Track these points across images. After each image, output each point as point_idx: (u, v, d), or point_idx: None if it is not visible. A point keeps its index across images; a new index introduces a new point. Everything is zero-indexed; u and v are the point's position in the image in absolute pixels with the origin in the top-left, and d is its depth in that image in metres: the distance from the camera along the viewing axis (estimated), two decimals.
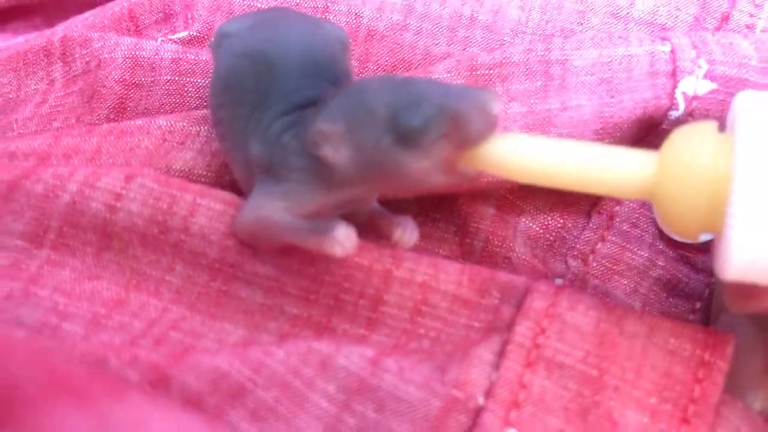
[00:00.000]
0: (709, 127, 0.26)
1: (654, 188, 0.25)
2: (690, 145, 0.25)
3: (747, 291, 0.28)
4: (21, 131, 0.40)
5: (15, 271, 0.32)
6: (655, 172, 0.25)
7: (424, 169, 0.26)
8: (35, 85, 0.43)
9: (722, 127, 0.28)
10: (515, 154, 0.26)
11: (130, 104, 0.40)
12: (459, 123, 0.25)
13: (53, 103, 0.41)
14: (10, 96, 0.43)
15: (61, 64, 0.43)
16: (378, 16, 0.40)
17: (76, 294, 0.32)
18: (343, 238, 0.27)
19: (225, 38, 0.33)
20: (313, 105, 0.29)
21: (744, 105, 0.25)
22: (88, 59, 0.42)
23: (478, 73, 0.36)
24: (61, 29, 0.45)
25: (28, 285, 0.32)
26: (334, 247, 0.27)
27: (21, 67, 0.43)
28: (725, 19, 0.39)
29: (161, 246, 0.32)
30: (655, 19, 0.39)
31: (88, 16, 0.47)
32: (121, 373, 0.28)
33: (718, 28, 0.39)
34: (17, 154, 0.36)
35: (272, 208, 0.29)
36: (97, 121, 0.39)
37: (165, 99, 0.40)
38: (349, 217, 0.31)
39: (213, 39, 0.35)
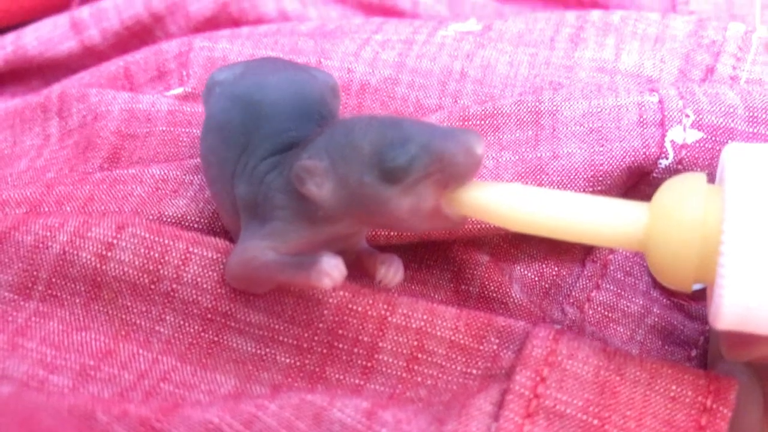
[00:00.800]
0: (699, 178, 0.26)
1: (645, 240, 0.25)
2: (680, 197, 0.25)
3: (742, 339, 0.27)
4: (14, 184, 0.40)
5: (2, 323, 0.31)
6: (645, 224, 0.25)
7: (408, 207, 0.26)
8: (31, 140, 0.43)
9: (711, 177, 0.28)
10: (503, 201, 0.26)
11: (124, 154, 0.40)
12: (443, 162, 0.25)
13: (48, 157, 0.41)
14: (6, 152, 0.43)
15: (58, 119, 0.43)
16: (370, 71, 0.41)
17: (64, 346, 0.31)
18: (330, 269, 0.27)
19: (216, 85, 0.34)
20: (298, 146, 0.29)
21: (732, 157, 0.25)
22: (84, 113, 0.42)
23: (470, 123, 0.37)
24: (58, 87, 0.46)
25: (15, 337, 0.31)
26: (321, 279, 0.27)
27: (17, 124, 0.44)
28: (710, 71, 0.40)
29: (152, 296, 0.31)
30: (641, 72, 0.40)
31: (84, 75, 0.47)
32: (109, 428, 0.28)
33: (703, 80, 0.40)
34: (9, 202, 0.35)
35: (258, 248, 0.29)
36: (90, 171, 0.39)
37: (159, 149, 0.40)
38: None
39: (205, 87, 0.35)
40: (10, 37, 0.54)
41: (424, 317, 0.30)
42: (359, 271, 0.31)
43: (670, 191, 0.26)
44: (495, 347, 0.30)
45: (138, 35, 0.53)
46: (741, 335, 0.26)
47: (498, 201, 0.26)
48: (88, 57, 0.53)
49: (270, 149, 0.30)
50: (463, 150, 0.25)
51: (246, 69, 0.34)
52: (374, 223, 0.29)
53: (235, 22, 0.52)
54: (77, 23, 0.53)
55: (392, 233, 0.34)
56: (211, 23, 0.52)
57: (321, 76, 0.34)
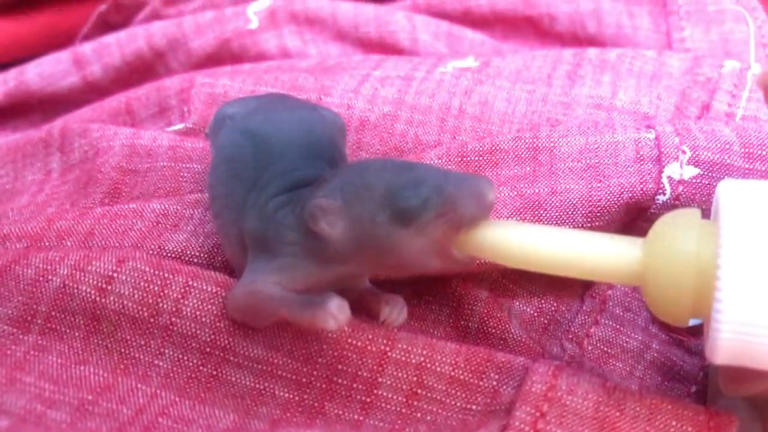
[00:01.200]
0: (692, 213, 0.26)
1: (641, 274, 0.26)
2: (674, 232, 0.26)
3: (741, 374, 0.28)
4: (16, 218, 0.40)
5: (0, 356, 0.31)
6: (641, 259, 0.26)
7: (418, 249, 0.27)
8: (32, 176, 0.43)
9: (707, 213, 0.29)
10: (506, 240, 0.27)
11: (125, 189, 0.40)
12: (455, 206, 0.26)
13: (49, 192, 0.42)
14: (7, 186, 0.43)
15: (59, 154, 0.43)
16: (370, 107, 0.41)
17: (62, 380, 0.31)
18: (336, 311, 0.27)
19: (226, 119, 0.34)
20: (309, 185, 0.30)
21: (726, 193, 0.26)
22: (86, 149, 0.42)
23: (469, 159, 0.37)
24: (59, 122, 0.46)
25: (13, 371, 0.31)
26: (327, 321, 0.27)
27: (19, 159, 0.44)
28: (706, 108, 0.40)
29: (151, 329, 0.31)
30: (638, 109, 0.41)
31: (86, 110, 0.48)
32: None
33: (699, 117, 0.40)
34: (10, 236, 0.35)
35: (265, 282, 0.29)
36: (91, 205, 0.39)
37: (160, 184, 0.40)
38: (342, 295, 0.31)
39: (213, 120, 0.35)
40: (12, 72, 0.55)
41: (424, 352, 0.30)
42: (362, 310, 0.31)
43: (664, 226, 0.26)
44: (495, 383, 0.30)
45: (139, 71, 0.54)
46: (740, 370, 0.26)
47: (501, 240, 0.27)
48: (89, 92, 0.54)
49: (281, 187, 0.30)
50: (474, 194, 0.26)
51: (258, 105, 0.35)
52: (383, 264, 0.29)
53: (237, 59, 0.52)
54: (79, 59, 0.54)
55: None
56: (213, 59, 0.52)
57: (330, 116, 0.35)
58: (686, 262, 0.25)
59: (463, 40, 0.51)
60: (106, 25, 0.58)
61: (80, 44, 0.55)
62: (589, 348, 0.35)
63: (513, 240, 0.27)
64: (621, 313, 0.36)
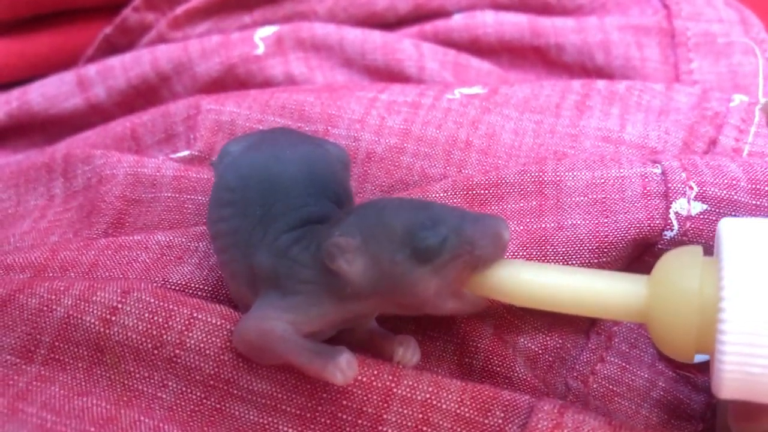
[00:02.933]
0: (695, 251, 0.27)
1: (646, 311, 0.26)
2: (677, 270, 0.26)
3: (749, 411, 0.28)
4: (18, 245, 0.40)
5: (2, 387, 0.31)
6: (646, 297, 0.27)
7: (434, 287, 0.27)
8: (35, 201, 0.43)
9: (711, 249, 0.29)
10: (514, 280, 0.28)
11: (129, 220, 0.40)
12: (473, 246, 0.27)
13: (51, 218, 0.41)
14: (9, 211, 0.43)
15: (62, 180, 0.43)
16: (376, 139, 0.41)
17: (65, 411, 0.30)
18: (346, 366, 0.27)
19: (229, 155, 0.34)
20: (319, 221, 0.30)
21: (727, 231, 0.26)
22: (89, 175, 0.42)
23: (474, 192, 0.37)
24: (63, 146, 0.46)
25: (15, 401, 0.30)
26: (335, 375, 0.27)
27: (21, 183, 0.44)
28: (713, 143, 0.40)
29: (155, 361, 0.31)
30: (646, 143, 0.41)
31: (90, 134, 0.48)
32: None
33: (706, 152, 0.40)
34: (14, 266, 0.35)
35: (277, 321, 0.29)
36: (95, 236, 0.39)
37: (164, 215, 0.40)
38: (349, 334, 0.31)
39: (217, 156, 0.35)
40: (15, 93, 0.55)
41: (430, 389, 0.30)
42: (372, 350, 0.31)
43: (668, 264, 0.27)
44: (500, 421, 0.29)
45: (144, 94, 0.54)
46: (748, 407, 0.27)
47: (509, 280, 0.28)
48: (93, 114, 0.54)
49: (290, 223, 0.30)
50: (491, 234, 0.27)
51: (260, 140, 0.35)
52: (398, 303, 0.29)
53: (242, 84, 0.52)
54: (83, 81, 0.54)
55: None
56: (218, 84, 0.52)
57: (334, 150, 0.35)
58: (690, 300, 0.26)
59: (469, 69, 0.51)
60: (110, 47, 0.58)
61: (84, 66, 0.55)
62: (595, 386, 0.35)
63: (521, 280, 0.27)
64: (627, 350, 0.36)
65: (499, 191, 0.37)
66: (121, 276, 0.35)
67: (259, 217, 0.31)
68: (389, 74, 0.51)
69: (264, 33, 0.53)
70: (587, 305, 0.27)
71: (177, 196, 0.40)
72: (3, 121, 0.54)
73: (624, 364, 0.35)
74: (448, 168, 0.41)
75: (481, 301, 0.29)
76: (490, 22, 0.53)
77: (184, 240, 0.37)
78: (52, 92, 0.54)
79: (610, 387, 0.35)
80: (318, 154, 0.34)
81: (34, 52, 0.60)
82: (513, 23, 0.53)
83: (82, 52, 0.59)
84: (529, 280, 0.27)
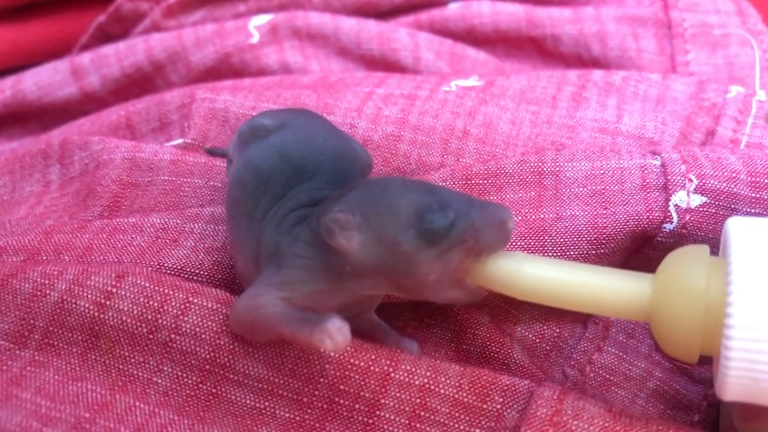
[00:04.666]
0: (701, 250, 0.27)
1: (650, 311, 0.26)
2: (683, 270, 0.26)
3: (754, 411, 0.28)
4: (13, 230, 0.39)
5: None
6: (650, 296, 0.26)
7: (437, 271, 0.27)
8: (30, 187, 0.43)
9: (714, 241, 0.29)
10: (516, 273, 0.27)
11: (125, 203, 0.40)
12: (478, 232, 0.27)
13: (48, 204, 0.41)
14: (5, 198, 0.43)
15: (59, 166, 0.43)
16: (373, 127, 0.41)
17: (59, 397, 0.30)
18: (335, 332, 0.26)
19: (262, 130, 0.34)
20: None
21: (735, 231, 0.26)
22: (86, 161, 0.42)
23: (473, 182, 0.37)
24: (57, 133, 0.46)
25: (9, 387, 0.30)
26: (324, 340, 0.26)
27: (17, 170, 0.44)
28: (710, 134, 0.40)
29: (150, 346, 0.31)
30: (643, 134, 0.41)
31: (84, 122, 0.48)
32: None
33: (703, 143, 0.40)
34: (7, 249, 0.35)
35: (269, 296, 0.28)
36: (90, 218, 0.39)
37: (161, 198, 0.40)
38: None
39: (246, 127, 0.35)
40: (9, 81, 0.55)
41: (428, 374, 0.30)
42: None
43: (673, 263, 0.26)
44: (499, 406, 0.29)
45: (138, 83, 0.54)
46: (754, 407, 0.26)
47: (511, 273, 0.27)
48: (87, 103, 0.54)
49: (301, 202, 0.30)
50: (497, 222, 0.27)
51: (294, 123, 0.35)
52: (397, 285, 0.28)
53: (237, 73, 0.52)
54: (77, 69, 0.54)
55: None
56: (213, 73, 0.52)
57: (361, 152, 0.35)
58: (695, 300, 0.25)
59: (465, 58, 0.51)
60: (104, 36, 0.57)
61: (78, 54, 0.55)
62: (592, 375, 0.35)
63: (523, 273, 0.27)
64: (624, 340, 0.36)
65: (498, 181, 0.37)
66: (116, 260, 0.35)
67: (279, 197, 0.30)
68: (384, 64, 0.51)
69: (258, 21, 0.53)
70: (589, 302, 0.27)
71: (174, 179, 0.40)
72: None
73: (621, 354, 0.35)
74: (445, 156, 0.40)
75: (481, 291, 0.28)
76: (486, 11, 0.53)
77: (179, 222, 0.36)
78: (46, 81, 0.54)
79: (607, 376, 0.35)
80: (347, 152, 0.34)
81: (27, 40, 0.60)
82: (509, 13, 0.53)
83: (75, 40, 0.59)
84: (531, 274, 0.27)
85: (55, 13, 0.60)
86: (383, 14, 0.56)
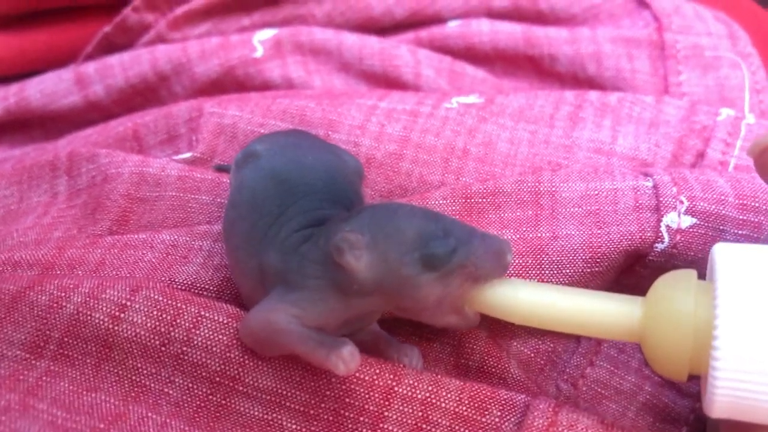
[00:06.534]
0: (689, 275, 0.28)
1: (641, 333, 0.28)
2: (673, 294, 0.27)
3: (741, 427, 0.28)
4: (21, 240, 0.40)
5: (13, 382, 0.31)
6: (641, 319, 0.28)
7: (437, 294, 0.28)
8: (38, 197, 0.44)
9: (702, 260, 0.30)
10: (513, 298, 0.29)
11: (133, 217, 0.41)
12: (477, 261, 0.28)
13: (55, 215, 0.42)
14: (12, 207, 0.43)
15: (66, 177, 0.44)
16: (376, 145, 0.42)
17: (74, 407, 0.31)
18: (348, 357, 0.28)
19: (253, 156, 0.35)
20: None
21: (721, 256, 0.27)
22: (94, 174, 0.42)
23: (473, 201, 0.38)
24: (64, 143, 0.46)
25: (26, 397, 0.31)
26: (338, 365, 0.28)
27: (24, 180, 0.44)
28: (700, 155, 0.42)
29: (162, 358, 0.32)
30: (637, 155, 0.42)
31: (91, 133, 0.48)
32: None
33: (694, 165, 0.42)
34: (21, 263, 0.36)
35: (283, 313, 0.30)
36: (99, 233, 0.40)
37: (168, 214, 0.41)
38: (352, 337, 0.32)
39: (241, 154, 0.36)
40: (13, 88, 0.55)
41: (430, 388, 0.31)
42: (376, 355, 0.32)
43: (663, 288, 0.28)
44: (497, 419, 0.31)
45: (143, 93, 0.54)
46: (738, 422, 0.27)
47: (508, 299, 0.29)
48: (91, 112, 0.55)
49: (302, 223, 0.31)
50: (495, 253, 0.28)
51: (286, 144, 0.36)
52: (398, 305, 0.30)
53: (241, 86, 0.53)
54: (82, 78, 0.54)
55: None
56: (217, 86, 0.53)
57: (351, 162, 0.37)
58: (684, 323, 0.27)
59: (464, 76, 0.52)
60: (109, 46, 0.58)
61: (83, 63, 0.56)
62: (584, 389, 0.36)
63: (518, 299, 0.29)
64: (615, 355, 0.37)
65: (496, 200, 0.38)
66: (128, 275, 0.36)
67: (276, 217, 0.32)
68: (386, 80, 0.52)
69: (263, 36, 0.54)
70: (583, 326, 0.29)
71: (181, 195, 0.41)
72: (1, 116, 0.54)
73: (612, 369, 0.36)
74: (446, 175, 0.42)
75: (476, 318, 0.30)
76: (485, 30, 0.54)
77: (188, 239, 0.37)
78: (50, 89, 0.54)
79: (599, 390, 0.36)
80: (337, 165, 0.35)
81: (32, 48, 0.60)
82: (508, 32, 0.54)
83: (79, 49, 0.59)
84: (526, 300, 0.29)
85: (60, 21, 0.60)
86: (384, 30, 0.57)
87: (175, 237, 0.37)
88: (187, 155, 0.44)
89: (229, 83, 0.53)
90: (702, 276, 0.29)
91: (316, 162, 0.34)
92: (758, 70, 0.50)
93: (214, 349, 0.31)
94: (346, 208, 0.32)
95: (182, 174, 0.42)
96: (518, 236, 0.36)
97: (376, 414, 0.31)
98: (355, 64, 0.53)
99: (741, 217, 0.36)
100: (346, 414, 0.31)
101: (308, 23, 0.57)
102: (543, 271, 0.35)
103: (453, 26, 0.55)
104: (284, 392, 0.31)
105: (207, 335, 0.32)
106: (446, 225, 0.29)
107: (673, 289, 0.27)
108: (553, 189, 0.38)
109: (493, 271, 0.29)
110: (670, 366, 0.27)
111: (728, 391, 0.25)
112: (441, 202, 0.38)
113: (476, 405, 0.31)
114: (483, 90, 0.52)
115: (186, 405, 0.31)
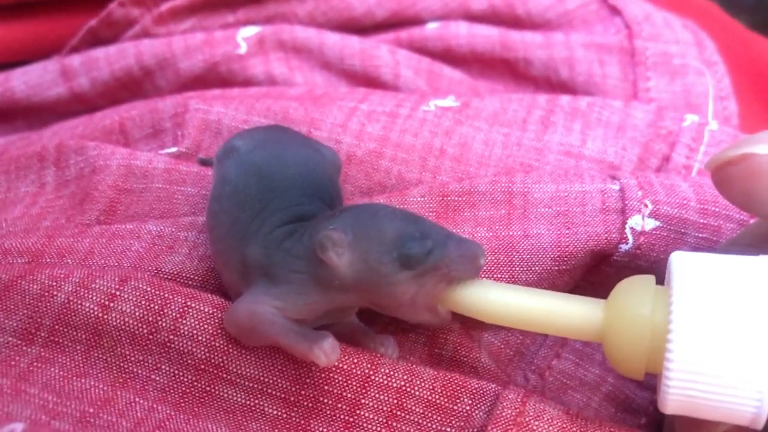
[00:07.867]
0: (648, 280, 0.30)
1: (602, 335, 0.29)
2: (632, 298, 0.29)
3: (693, 422, 0.31)
4: (10, 229, 0.41)
5: (5, 367, 0.33)
6: (602, 321, 0.29)
7: (411, 292, 0.30)
8: (25, 188, 0.44)
9: (663, 262, 0.32)
10: (483, 299, 0.30)
11: (120, 208, 0.41)
12: (451, 262, 0.30)
13: (43, 205, 0.43)
14: (0, 197, 0.44)
15: (55, 169, 0.44)
16: (357, 143, 0.44)
17: (65, 392, 0.32)
18: (330, 350, 0.29)
19: (234, 150, 0.37)
20: (311, 219, 0.32)
21: (677, 264, 0.29)
22: (82, 165, 0.43)
23: (449, 199, 0.39)
24: (50, 134, 0.47)
25: (18, 382, 0.32)
26: (320, 357, 0.29)
27: (12, 170, 0.45)
28: (666, 159, 0.43)
29: (149, 346, 0.33)
30: (605, 158, 0.44)
31: (77, 125, 0.49)
32: None
33: (659, 168, 0.43)
34: (11, 251, 0.37)
35: (267, 305, 0.31)
36: (87, 222, 0.41)
37: (155, 205, 0.42)
38: (330, 328, 0.33)
39: (222, 149, 0.38)
40: None
41: (405, 377, 0.32)
42: (353, 345, 0.33)
43: (623, 292, 0.30)
44: (468, 407, 0.32)
45: (127, 86, 0.55)
46: (692, 418, 0.29)
47: (479, 299, 0.31)
48: (76, 104, 0.55)
49: (284, 219, 0.33)
50: (470, 256, 0.30)
51: (265, 139, 0.37)
52: (375, 301, 0.31)
53: (224, 82, 0.54)
54: (67, 70, 0.55)
55: None
56: (200, 81, 0.54)
57: (329, 155, 0.38)
58: (641, 325, 0.28)
59: (441, 77, 0.54)
60: (94, 39, 0.58)
61: (68, 55, 0.56)
62: (551, 379, 0.38)
63: (489, 299, 0.30)
64: (581, 348, 0.39)
65: (471, 199, 0.39)
66: (116, 264, 0.37)
67: (257, 211, 0.33)
68: (366, 79, 0.53)
69: (246, 33, 0.55)
70: (549, 326, 0.30)
71: (167, 187, 0.42)
72: None
73: (577, 361, 0.38)
74: (423, 173, 0.43)
75: (449, 317, 0.32)
76: (463, 33, 0.56)
77: (173, 230, 0.38)
78: (35, 80, 0.55)
79: (564, 381, 0.38)
80: (316, 158, 0.37)
81: (16, 38, 0.60)
82: (485, 36, 0.55)
83: (64, 41, 0.59)
84: (496, 301, 0.30)
85: (45, 13, 0.60)
86: (365, 30, 0.58)
87: (161, 227, 0.38)
88: (173, 150, 0.45)
89: (213, 79, 0.54)
90: (662, 276, 0.31)
91: (296, 157, 0.36)
92: (723, 78, 0.52)
93: (200, 337, 0.33)
94: (325, 202, 0.34)
95: (168, 167, 0.43)
96: (491, 234, 0.38)
97: (354, 401, 0.32)
98: (336, 63, 0.54)
99: (702, 221, 0.37)
100: (325, 401, 0.32)
101: (290, 22, 0.58)
102: (514, 268, 0.37)
103: (432, 28, 0.57)
104: (266, 380, 0.33)
105: (193, 324, 0.33)
106: (424, 228, 0.31)
107: (632, 294, 0.29)
108: (526, 190, 0.39)
109: (466, 272, 0.30)
110: (629, 365, 0.29)
111: (679, 390, 0.27)
112: (419, 199, 0.39)
113: (449, 394, 0.32)
114: (460, 91, 0.53)
115: (172, 391, 0.33)
